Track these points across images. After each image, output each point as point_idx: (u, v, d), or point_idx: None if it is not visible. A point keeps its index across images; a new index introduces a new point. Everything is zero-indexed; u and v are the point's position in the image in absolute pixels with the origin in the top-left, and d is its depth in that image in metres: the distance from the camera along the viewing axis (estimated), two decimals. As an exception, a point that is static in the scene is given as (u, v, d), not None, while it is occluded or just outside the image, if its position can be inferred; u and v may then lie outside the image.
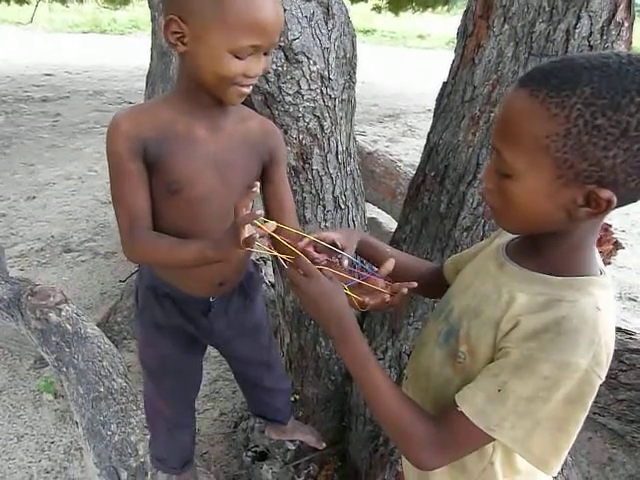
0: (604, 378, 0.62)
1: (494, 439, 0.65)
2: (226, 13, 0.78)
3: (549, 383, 0.61)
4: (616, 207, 0.61)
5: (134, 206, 0.91)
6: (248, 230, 0.74)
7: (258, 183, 0.78)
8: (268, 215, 1.09)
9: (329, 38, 1.26)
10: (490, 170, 0.67)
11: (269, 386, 1.41)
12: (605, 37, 1.10)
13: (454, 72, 1.33)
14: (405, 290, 0.89)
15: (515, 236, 0.77)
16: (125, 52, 10.06)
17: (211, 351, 2.29)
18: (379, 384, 0.72)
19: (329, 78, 1.29)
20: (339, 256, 0.87)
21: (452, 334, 0.76)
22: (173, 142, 0.91)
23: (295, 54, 1.21)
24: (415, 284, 0.89)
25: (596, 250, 0.70)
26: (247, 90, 0.87)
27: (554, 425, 0.63)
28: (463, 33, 1.31)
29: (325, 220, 1.46)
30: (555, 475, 0.67)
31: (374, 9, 8.64)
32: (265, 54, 0.86)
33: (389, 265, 0.90)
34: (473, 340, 0.72)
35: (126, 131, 0.88)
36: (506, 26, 1.19)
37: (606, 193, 0.58)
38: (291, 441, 1.70)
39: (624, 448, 1.92)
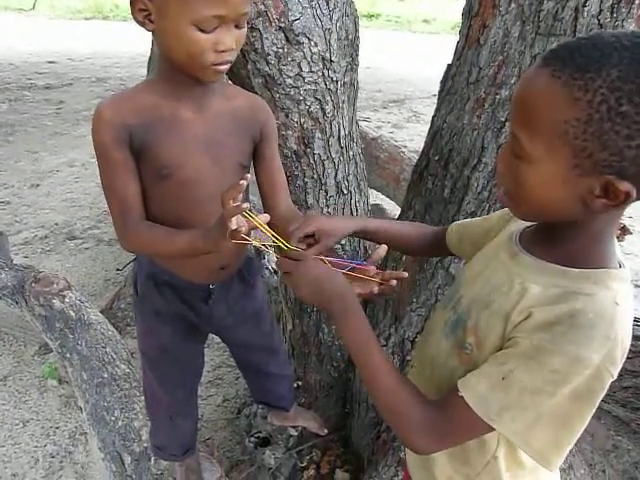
0: (616, 376, 0.59)
1: (492, 429, 0.63)
2: None
3: (558, 377, 0.58)
4: (635, 200, 0.57)
5: (125, 196, 0.90)
6: (236, 222, 0.73)
7: (249, 176, 0.77)
8: (260, 193, 1.07)
9: (330, 19, 1.23)
10: (505, 151, 0.64)
11: (272, 372, 1.40)
12: (615, 15, 1.07)
13: (459, 53, 1.30)
14: (394, 282, 0.87)
15: (529, 224, 0.74)
16: (128, 38, 9.97)
17: (214, 338, 2.28)
18: (379, 365, 0.71)
19: (331, 60, 1.26)
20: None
21: (460, 324, 0.74)
22: (159, 127, 0.90)
23: (296, 35, 1.18)
24: (406, 274, 0.87)
25: (616, 242, 0.66)
26: (222, 67, 0.84)
27: (558, 421, 0.61)
28: (468, 13, 1.27)
29: (327, 206, 1.44)
30: (556, 469, 0.65)
31: (379, -7, 8.50)
32: (237, 26, 0.82)
33: (381, 252, 0.88)
34: (481, 331, 0.69)
35: (109, 120, 0.86)
36: (513, 5, 1.15)
37: (625, 185, 0.54)
38: (294, 427, 1.70)
39: (629, 435, 1.91)
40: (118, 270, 2.91)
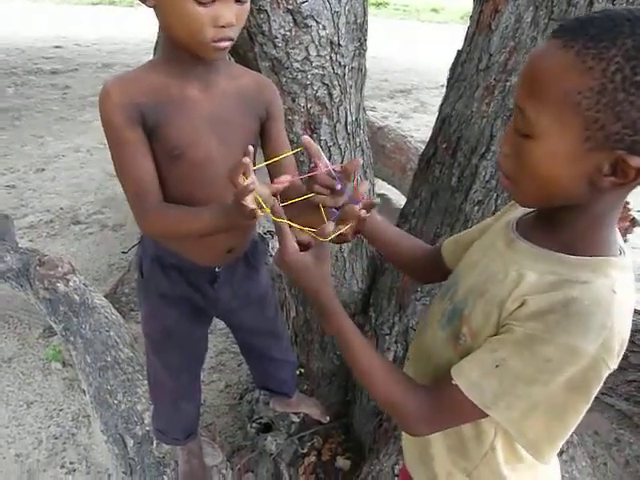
0: (614, 368, 0.57)
1: (487, 415, 0.62)
2: None
3: (551, 366, 0.57)
4: None
5: (142, 176, 0.88)
6: (251, 201, 0.72)
7: (251, 148, 0.76)
8: (268, 170, 1.06)
9: (339, 2, 1.21)
10: (509, 132, 0.61)
11: (275, 357, 1.40)
12: (631, 0, 1.05)
13: (469, 39, 1.28)
14: (377, 199, 0.85)
15: (526, 212, 0.72)
16: (134, 24, 9.92)
17: (217, 323, 2.30)
18: (363, 357, 0.72)
19: (339, 44, 1.24)
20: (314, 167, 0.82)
21: (456, 314, 0.73)
22: (169, 106, 0.88)
23: (304, 18, 1.16)
24: (359, 160, 0.84)
25: (616, 229, 0.64)
26: (223, 44, 0.82)
27: (552, 412, 0.60)
28: (480, -2, 1.25)
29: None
30: (549, 462, 0.64)
31: (388, -19, 8.40)
32: (238, 1, 0.81)
33: (364, 187, 0.85)
34: (476, 320, 0.68)
35: (119, 100, 0.85)
36: (526, -11, 1.13)
37: (636, 161, 0.51)
38: (295, 414, 1.71)
39: (631, 429, 1.91)
40: (123, 253, 2.92)
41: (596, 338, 0.55)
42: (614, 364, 0.57)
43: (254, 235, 1.19)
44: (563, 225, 0.63)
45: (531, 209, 0.72)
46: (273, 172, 1.05)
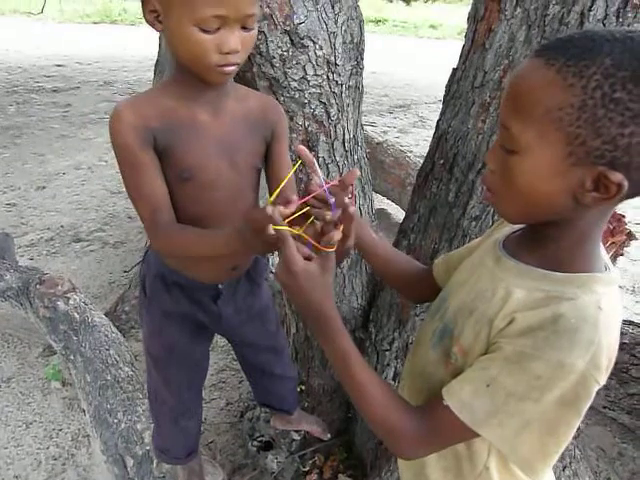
0: (603, 383, 0.58)
1: (479, 434, 0.62)
2: None
3: (541, 383, 0.57)
4: (626, 197, 0.56)
5: (154, 197, 0.89)
6: (272, 230, 0.70)
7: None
8: (268, 188, 1.07)
9: (336, 22, 1.23)
10: (494, 148, 0.63)
11: (277, 373, 1.40)
12: (621, 20, 1.06)
13: (464, 57, 1.30)
14: (352, 178, 0.81)
15: (514, 229, 0.73)
16: (135, 42, 10.05)
17: (218, 340, 2.29)
18: (361, 380, 0.69)
19: (336, 63, 1.26)
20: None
21: (446, 333, 0.73)
22: (180, 130, 0.90)
23: (301, 38, 1.18)
24: (357, 171, 0.83)
25: (601, 244, 0.65)
26: (229, 69, 0.84)
27: (544, 428, 0.59)
28: (474, 17, 1.27)
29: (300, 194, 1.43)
30: (542, 479, 0.64)
31: (385, -2, 8.53)
32: (244, 28, 0.82)
33: (352, 175, 0.82)
34: (467, 339, 0.68)
35: (132, 122, 0.86)
36: (518, 9, 1.15)
37: (617, 176, 0.53)
38: (296, 431, 1.69)
39: (634, 443, 1.89)
40: (125, 272, 2.92)
41: (584, 354, 0.56)
42: (603, 379, 0.58)
43: None
44: (548, 241, 0.64)
45: (518, 227, 0.73)
46: (273, 189, 1.06)
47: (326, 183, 0.81)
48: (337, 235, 0.71)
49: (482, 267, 0.73)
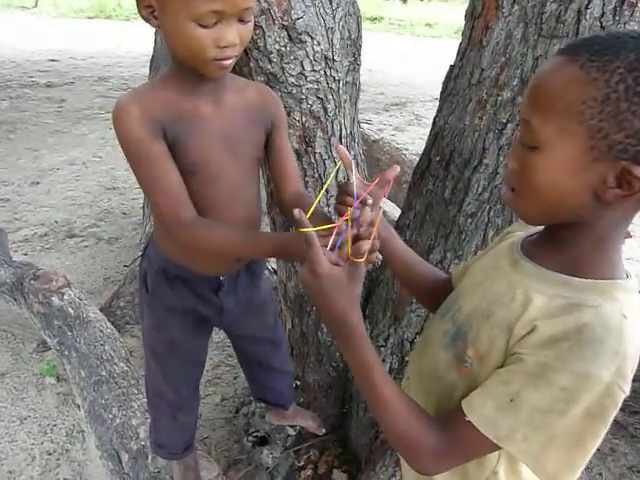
0: (628, 392, 0.56)
1: (502, 448, 0.61)
2: None
3: (567, 395, 0.55)
4: None
5: (172, 188, 0.88)
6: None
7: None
8: (272, 179, 1.08)
9: (333, 18, 1.23)
10: (515, 147, 0.62)
11: (274, 366, 1.41)
12: (618, 18, 1.07)
13: (461, 54, 1.30)
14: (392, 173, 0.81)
15: (529, 233, 0.72)
16: (130, 38, 9.99)
17: (213, 336, 2.29)
18: (384, 393, 0.66)
19: (333, 59, 1.26)
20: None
21: (460, 336, 0.71)
22: (184, 123, 0.90)
23: (299, 34, 1.18)
24: (398, 167, 0.83)
25: (622, 250, 0.63)
26: (227, 62, 0.84)
27: (571, 440, 0.57)
28: (471, 14, 1.27)
29: (328, 205, 1.44)
30: None
31: (382, -4, 8.51)
32: (241, 21, 0.82)
33: (393, 171, 0.82)
34: (483, 344, 0.66)
35: (140, 115, 0.85)
36: (515, 7, 1.16)
37: None
38: (292, 426, 1.70)
39: (626, 439, 1.91)
40: (126, 266, 2.91)
41: (609, 365, 0.55)
42: (628, 389, 0.56)
43: None
44: (568, 245, 0.63)
45: (536, 230, 0.71)
46: (277, 181, 1.06)
47: (364, 184, 0.81)
48: (366, 245, 0.68)
49: (497, 270, 0.71)
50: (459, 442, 0.64)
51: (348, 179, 0.80)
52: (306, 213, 0.69)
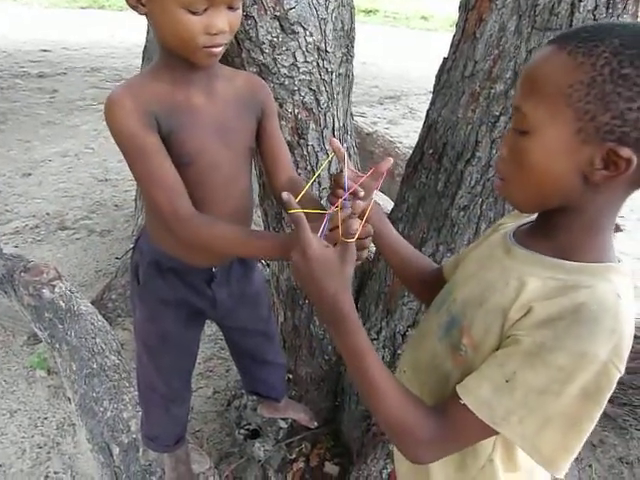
0: (623, 372, 0.56)
1: (498, 432, 0.61)
2: None
3: (563, 375, 0.56)
4: (635, 185, 0.57)
5: (168, 180, 0.87)
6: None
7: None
8: (264, 166, 1.07)
9: (326, 8, 1.22)
10: (508, 135, 0.64)
11: (267, 359, 1.40)
12: (611, 10, 1.07)
13: (455, 47, 1.30)
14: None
15: (521, 223, 0.73)
16: (123, 28, 9.88)
17: (205, 329, 2.28)
18: (377, 379, 0.66)
19: (326, 50, 1.25)
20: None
21: (454, 325, 0.71)
22: (178, 114, 0.89)
23: (291, 24, 1.17)
24: (391, 160, 0.83)
25: (612, 238, 0.64)
26: (216, 50, 0.83)
27: (566, 422, 0.57)
28: (465, 6, 1.27)
29: (320, 197, 1.43)
30: (563, 474, 0.61)
31: (377, -12, 8.46)
32: (231, 8, 0.81)
33: (386, 164, 0.82)
34: (477, 332, 0.66)
35: (133, 107, 0.84)
36: (509, -2, 1.15)
37: (626, 152, 0.54)
38: (283, 419, 1.70)
39: (615, 430, 1.92)
40: (117, 258, 2.89)
41: (606, 343, 0.55)
42: (623, 368, 0.56)
43: None
44: (559, 230, 0.64)
45: (527, 220, 0.72)
46: (270, 168, 1.06)
47: (357, 176, 0.81)
48: (356, 224, 0.66)
49: (491, 259, 0.72)
50: (454, 428, 0.64)
51: (341, 171, 0.80)
52: (296, 197, 0.69)
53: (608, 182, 0.57)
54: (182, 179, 0.90)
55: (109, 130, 0.85)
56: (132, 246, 1.16)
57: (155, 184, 0.87)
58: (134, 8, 0.82)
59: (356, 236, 0.67)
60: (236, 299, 1.22)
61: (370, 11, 14.72)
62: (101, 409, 1.67)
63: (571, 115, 0.56)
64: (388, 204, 3.23)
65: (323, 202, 1.44)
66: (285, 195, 0.67)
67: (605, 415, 1.93)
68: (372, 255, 1.59)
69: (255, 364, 1.42)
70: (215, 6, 0.79)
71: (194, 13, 0.78)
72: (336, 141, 0.84)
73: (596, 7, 1.07)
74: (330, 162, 1.38)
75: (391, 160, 0.83)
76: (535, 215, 0.71)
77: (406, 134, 5.30)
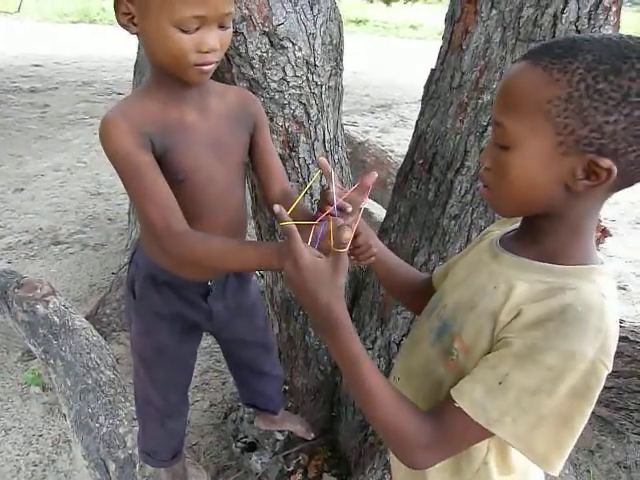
0: (611, 369, 0.58)
1: (493, 434, 0.62)
2: None
3: (553, 374, 0.57)
4: (615, 189, 0.59)
5: (162, 198, 0.88)
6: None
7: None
8: (257, 180, 1.08)
9: (315, 23, 1.24)
10: (489, 147, 0.65)
11: (265, 370, 1.40)
12: (593, 22, 1.09)
13: (442, 58, 1.32)
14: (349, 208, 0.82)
15: (507, 230, 0.75)
16: (115, 42, 9.91)
17: (201, 342, 2.28)
18: (372, 386, 0.66)
19: (315, 64, 1.27)
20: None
21: (445, 330, 0.73)
22: (172, 132, 0.90)
23: (280, 40, 1.19)
24: (375, 174, 0.86)
25: (594, 240, 0.66)
26: (207, 68, 0.84)
27: (558, 420, 0.59)
28: (451, 19, 1.29)
29: (313, 210, 1.44)
30: (558, 472, 0.62)
31: (366, -1, 8.57)
32: (222, 27, 0.82)
33: (367, 179, 0.84)
34: (469, 336, 0.68)
35: (127, 128, 0.85)
36: (494, 11, 1.17)
37: (606, 162, 0.56)
38: (280, 431, 1.70)
39: (612, 435, 1.93)
40: (113, 273, 2.89)
41: (593, 342, 0.57)
42: (611, 365, 0.58)
43: None
44: (544, 235, 0.66)
45: (513, 227, 0.74)
46: (264, 180, 1.07)
47: (343, 192, 0.83)
48: (347, 233, 0.67)
49: (479, 265, 0.74)
50: (449, 431, 0.65)
51: (328, 187, 0.81)
52: (287, 209, 0.70)
53: (590, 190, 0.59)
54: (177, 195, 0.91)
55: (104, 151, 0.86)
56: (128, 260, 1.17)
57: (149, 201, 0.88)
58: (125, 27, 0.83)
59: (347, 246, 0.67)
60: (233, 311, 1.22)
61: (360, 21, 14.87)
62: (97, 425, 1.65)
63: (551, 130, 0.58)
64: (382, 213, 3.25)
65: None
66: (276, 207, 0.68)
67: (602, 419, 1.94)
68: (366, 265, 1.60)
69: (253, 376, 1.42)
70: (207, 25, 0.80)
71: (185, 32, 0.79)
72: (324, 159, 0.86)
73: (578, 19, 1.09)
74: (321, 176, 1.39)
75: (375, 174, 0.85)
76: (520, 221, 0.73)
77: (398, 142, 5.34)
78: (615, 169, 0.56)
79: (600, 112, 0.55)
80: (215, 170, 0.96)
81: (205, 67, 0.84)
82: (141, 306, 1.15)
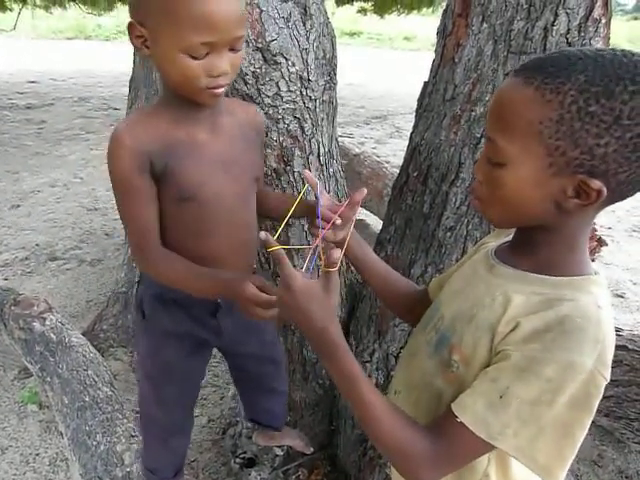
0: (609, 379, 0.59)
1: (494, 448, 0.62)
2: (172, 11, 0.77)
3: (553, 385, 0.58)
4: (607, 204, 0.60)
5: (144, 222, 0.92)
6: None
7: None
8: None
9: (307, 39, 1.25)
10: (482, 161, 0.66)
11: (273, 386, 1.39)
12: (583, 34, 1.10)
13: (435, 71, 1.33)
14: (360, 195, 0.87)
15: (502, 242, 0.76)
16: (110, 58, 9.98)
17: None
18: (372, 405, 0.66)
19: (308, 79, 1.28)
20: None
21: (443, 343, 0.73)
22: (179, 150, 0.91)
23: (273, 55, 1.20)
24: (365, 190, 0.89)
25: (587, 250, 0.67)
26: (219, 91, 0.86)
27: (559, 431, 0.60)
28: (443, 32, 1.30)
29: (303, 226, 1.44)
30: None
31: (359, 12, 8.68)
32: (232, 50, 0.83)
33: (357, 195, 0.88)
34: (467, 347, 0.68)
35: (130, 147, 0.87)
36: (485, 24, 1.19)
37: (596, 183, 0.57)
38: (279, 446, 1.68)
39: (613, 444, 1.92)
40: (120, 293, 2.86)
41: (592, 352, 0.57)
42: (609, 375, 0.59)
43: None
44: (538, 247, 0.66)
45: (506, 239, 0.75)
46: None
47: (335, 206, 0.86)
48: (337, 253, 0.67)
49: (475, 276, 0.74)
50: (452, 446, 0.65)
51: (318, 200, 0.83)
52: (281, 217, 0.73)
53: (580, 209, 0.60)
54: (184, 213, 0.95)
55: (107, 164, 0.90)
56: (137, 280, 1.18)
57: (132, 222, 0.93)
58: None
59: (338, 265, 0.68)
60: (242, 327, 1.20)
61: (354, 33, 15.02)
62: (94, 443, 1.64)
63: (543, 151, 0.58)
64: (378, 224, 3.25)
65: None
66: (263, 234, 0.68)
67: (603, 429, 1.93)
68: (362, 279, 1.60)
69: (260, 392, 1.41)
70: (217, 50, 0.81)
71: (195, 58, 0.80)
72: (309, 173, 0.88)
73: (568, 31, 1.10)
74: (308, 191, 1.40)
75: (365, 191, 0.87)
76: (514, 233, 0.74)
77: (393, 153, 5.37)
78: (605, 190, 0.57)
79: (591, 135, 0.55)
80: (225, 188, 0.97)
81: (217, 90, 0.86)
82: (150, 325, 1.15)
